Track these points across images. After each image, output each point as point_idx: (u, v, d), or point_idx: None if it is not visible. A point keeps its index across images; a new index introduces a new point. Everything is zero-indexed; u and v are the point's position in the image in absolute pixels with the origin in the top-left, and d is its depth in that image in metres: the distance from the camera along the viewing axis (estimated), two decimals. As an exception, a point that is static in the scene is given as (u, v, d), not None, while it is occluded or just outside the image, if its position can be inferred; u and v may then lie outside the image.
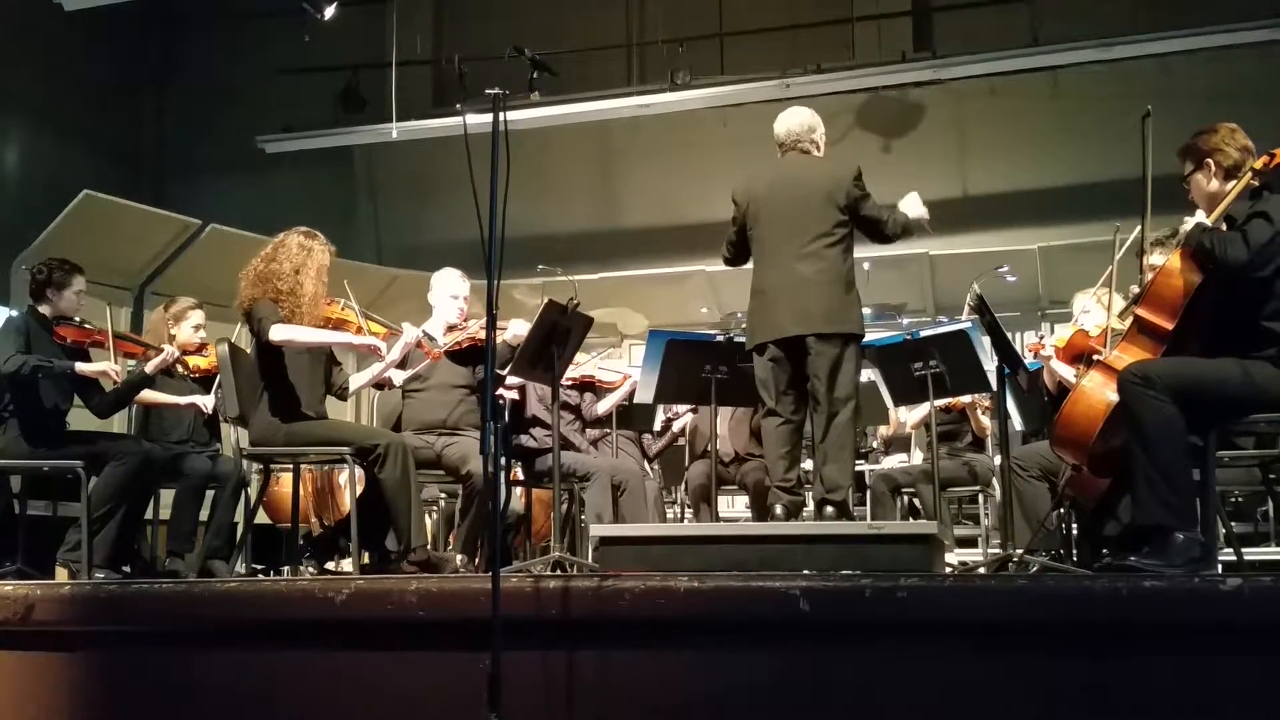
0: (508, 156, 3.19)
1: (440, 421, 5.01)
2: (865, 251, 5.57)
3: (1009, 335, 4.64)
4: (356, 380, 4.96)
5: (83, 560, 4.66)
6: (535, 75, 4.04)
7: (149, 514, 5.49)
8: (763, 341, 4.52)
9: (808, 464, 4.87)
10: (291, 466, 5.02)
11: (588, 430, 6.27)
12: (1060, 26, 9.27)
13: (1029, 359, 5.30)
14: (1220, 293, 3.46)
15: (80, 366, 4.97)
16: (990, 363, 4.77)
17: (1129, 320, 3.72)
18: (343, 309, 4.73)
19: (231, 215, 9.01)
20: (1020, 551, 4.25)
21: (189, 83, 11.38)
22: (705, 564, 3.61)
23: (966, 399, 5.82)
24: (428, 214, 10.70)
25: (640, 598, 3.01)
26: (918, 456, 7.07)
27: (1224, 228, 3.51)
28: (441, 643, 3.12)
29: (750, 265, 4.68)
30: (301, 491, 5.55)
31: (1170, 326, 3.52)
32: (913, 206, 4.63)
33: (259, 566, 5.63)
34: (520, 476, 5.61)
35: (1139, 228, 3.93)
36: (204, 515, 5.48)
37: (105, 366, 5.05)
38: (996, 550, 5.05)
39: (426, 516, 5.68)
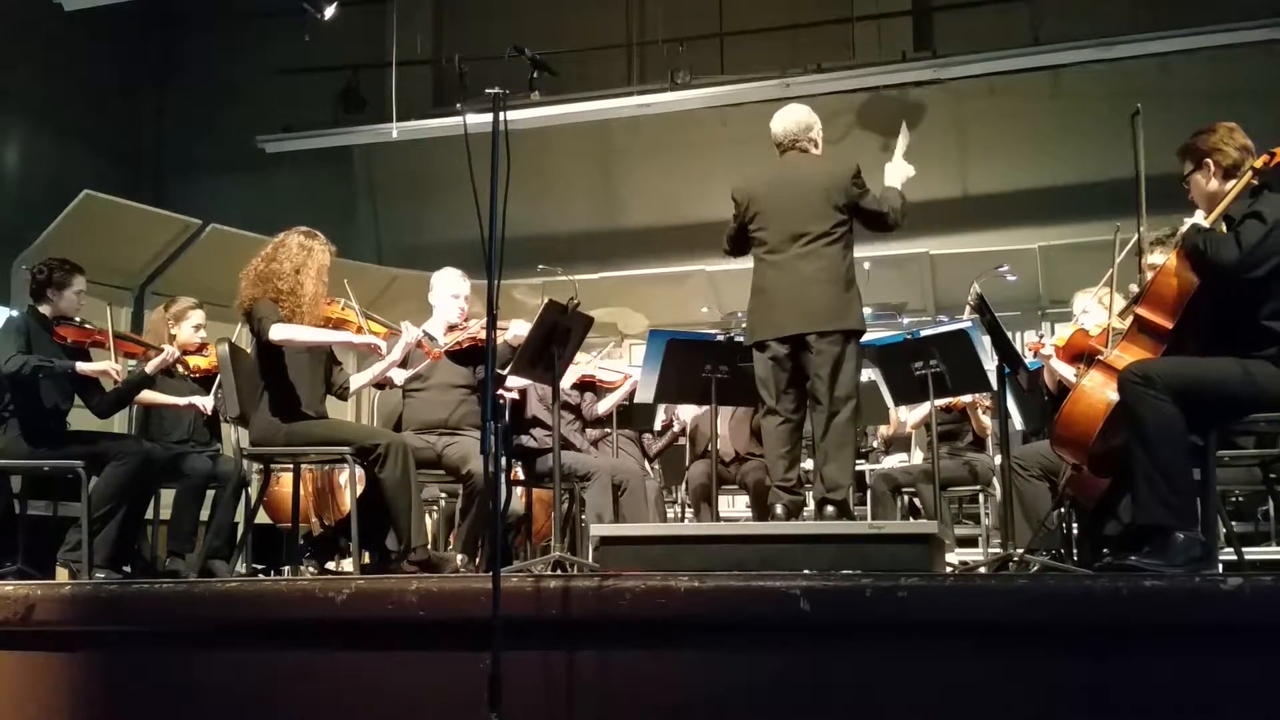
0: (508, 156, 3.19)
1: (441, 421, 5.01)
2: (866, 251, 5.57)
3: (1009, 335, 4.63)
4: (357, 380, 4.96)
5: (83, 560, 4.66)
6: (535, 75, 4.04)
7: (149, 514, 5.49)
8: (763, 339, 4.53)
9: (808, 463, 4.87)
10: (292, 466, 5.03)
11: (588, 430, 6.27)
12: (1060, 26, 9.26)
13: (1029, 358, 5.29)
14: (1219, 292, 3.46)
15: (81, 366, 4.97)
16: (990, 362, 4.77)
17: (1129, 320, 3.72)
18: (343, 309, 4.73)
19: (231, 215, 9.02)
20: (1021, 551, 4.25)
21: (189, 83, 11.37)
22: (705, 564, 3.61)
23: (967, 398, 5.82)
24: (428, 214, 10.68)
25: (640, 598, 3.01)
26: (918, 456, 7.06)
27: (1224, 227, 3.51)
28: (442, 643, 3.12)
29: (750, 263, 4.68)
30: (302, 491, 5.54)
31: (1170, 326, 3.52)
32: (896, 174, 4.64)
33: (259, 566, 5.63)
34: (521, 476, 5.61)
35: (1138, 227, 3.94)
36: (204, 515, 5.48)
37: (106, 366, 5.05)
38: (997, 550, 5.06)
39: (427, 516, 5.68)
